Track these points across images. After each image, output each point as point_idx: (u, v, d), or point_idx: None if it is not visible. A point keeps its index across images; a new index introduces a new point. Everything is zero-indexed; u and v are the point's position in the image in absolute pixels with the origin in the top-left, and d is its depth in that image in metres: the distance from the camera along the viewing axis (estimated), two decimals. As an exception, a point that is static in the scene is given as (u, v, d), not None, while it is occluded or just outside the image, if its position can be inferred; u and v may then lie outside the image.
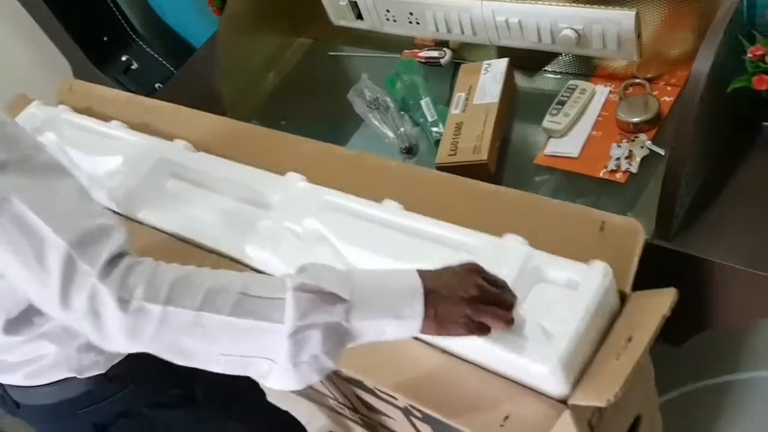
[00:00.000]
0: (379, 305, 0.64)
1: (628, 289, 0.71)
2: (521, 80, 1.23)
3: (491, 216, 0.83)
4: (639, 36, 1.02)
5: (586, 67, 1.15)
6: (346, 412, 1.38)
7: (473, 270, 0.68)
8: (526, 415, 0.66)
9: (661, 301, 0.65)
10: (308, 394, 1.44)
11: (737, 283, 0.90)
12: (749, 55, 0.88)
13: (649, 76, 1.08)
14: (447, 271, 0.67)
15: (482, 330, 0.66)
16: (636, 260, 0.70)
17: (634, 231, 0.71)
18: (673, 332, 1.11)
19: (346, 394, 1.22)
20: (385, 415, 1.16)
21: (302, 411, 1.58)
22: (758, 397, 1.24)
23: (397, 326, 0.64)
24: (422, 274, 0.65)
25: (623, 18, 1.00)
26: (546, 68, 1.21)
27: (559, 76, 1.19)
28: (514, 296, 0.69)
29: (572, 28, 1.06)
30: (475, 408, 0.68)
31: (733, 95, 0.90)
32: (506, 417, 0.66)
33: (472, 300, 0.65)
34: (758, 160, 0.94)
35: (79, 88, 1.41)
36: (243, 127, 1.21)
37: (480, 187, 0.90)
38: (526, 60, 1.21)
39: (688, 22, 1.00)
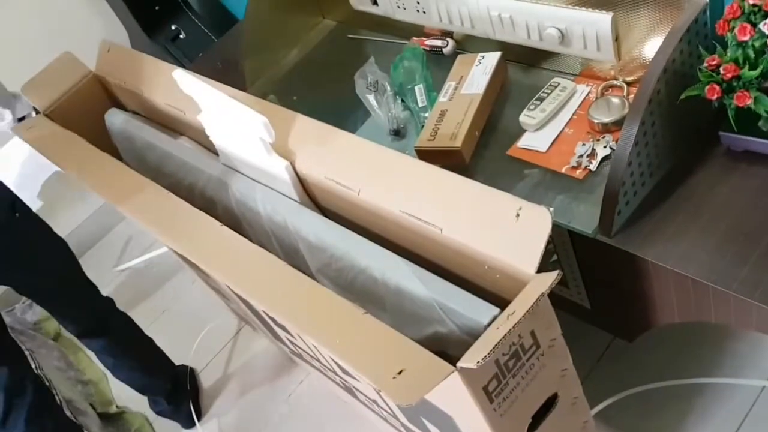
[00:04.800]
0: None
1: (533, 271, 0.76)
2: (518, 74, 1.27)
3: (412, 191, 0.88)
4: (617, 39, 1.05)
5: (573, 67, 1.18)
6: (332, 375, 1.47)
7: None
8: (420, 372, 0.73)
9: (545, 281, 0.70)
10: (300, 354, 1.54)
11: (669, 284, 0.93)
12: (705, 64, 0.90)
13: (629, 79, 1.11)
14: None
15: None
16: (542, 246, 0.75)
17: (544, 219, 0.76)
18: (623, 328, 1.16)
19: (325, 356, 1.31)
20: (353, 377, 1.25)
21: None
22: (712, 402, 1.25)
23: None
24: None
25: (600, 20, 1.03)
26: (540, 65, 1.25)
27: (549, 73, 1.23)
28: None
29: (556, 27, 1.10)
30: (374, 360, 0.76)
31: (692, 105, 0.93)
32: (401, 371, 0.73)
33: None
34: (712, 170, 0.96)
35: (115, 51, 1.52)
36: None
37: (417, 165, 0.92)
38: (523, 56, 1.25)
39: (665, 29, 1.02)
